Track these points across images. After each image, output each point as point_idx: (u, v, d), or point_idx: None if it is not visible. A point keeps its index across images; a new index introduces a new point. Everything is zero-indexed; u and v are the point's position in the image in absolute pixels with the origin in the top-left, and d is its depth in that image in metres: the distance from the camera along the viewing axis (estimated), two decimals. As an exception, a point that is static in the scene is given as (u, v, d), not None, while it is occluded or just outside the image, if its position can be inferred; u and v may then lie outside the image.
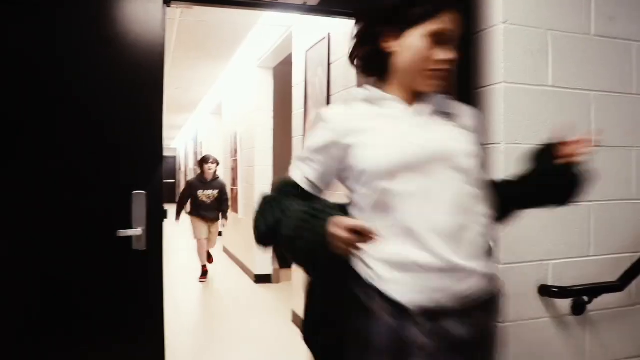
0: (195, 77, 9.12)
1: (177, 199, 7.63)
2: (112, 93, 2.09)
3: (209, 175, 6.84)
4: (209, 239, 7.00)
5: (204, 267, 7.06)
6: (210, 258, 7.19)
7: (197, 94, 11.18)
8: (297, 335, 4.71)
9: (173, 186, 23.84)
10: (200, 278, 6.98)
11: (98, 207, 2.08)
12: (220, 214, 6.98)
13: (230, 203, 7.27)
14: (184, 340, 4.48)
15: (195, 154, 15.18)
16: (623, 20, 2.16)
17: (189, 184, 7.09)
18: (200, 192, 6.79)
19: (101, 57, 2.06)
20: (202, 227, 6.90)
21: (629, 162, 2.18)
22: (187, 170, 18.22)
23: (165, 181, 2.52)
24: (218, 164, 6.99)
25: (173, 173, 24.37)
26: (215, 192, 6.85)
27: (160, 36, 2.12)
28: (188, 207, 6.99)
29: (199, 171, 7.01)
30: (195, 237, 6.94)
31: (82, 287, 2.06)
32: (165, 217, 2.20)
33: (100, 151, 2.07)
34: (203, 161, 6.89)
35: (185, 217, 7.13)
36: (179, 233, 9.42)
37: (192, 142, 16.71)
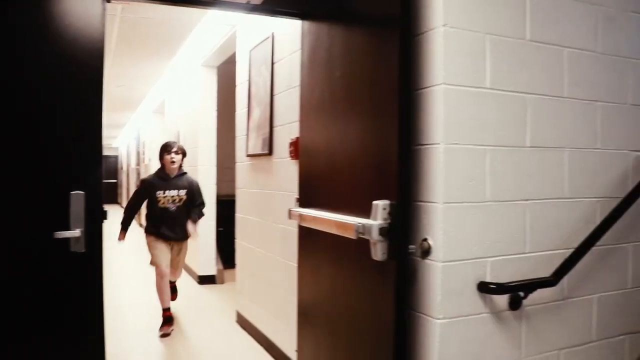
0: (138, 75, 8.93)
1: (123, 203, 6.02)
2: (48, 89, 2.02)
3: (172, 170, 4.81)
4: (173, 266, 4.91)
5: (165, 311, 4.76)
6: (174, 294, 5.21)
7: (140, 92, 10.96)
8: (241, 335, 4.67)
9: (114, 186, 23.31)
10: (161, 329, 4.64)
11: (34, 208, 2.01)
12: (190, 222, 4.82)
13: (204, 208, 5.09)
14: (126, 343, 4.38)
15: (138, 153, 14.86)
16: (555, 26, 2.24)
17: (143, 183, 4.95)
18: (160, 194, 4.71)
19: (37, 51, 2.00)
20: (164, 250, 4.76)
21: (562, 162, 2.27)
22: (129, 170, 17.83)
23: (106, 181, 2.45)
24: (184, 154, 4.96)
25: (115, 173, 23.82)
26: (183, 193, 4.79)
27: (100, 32, 2.07)
28: (143, 219, 5.14)
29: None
30: (153, 263, 4.78)
31: (17, 290, 1.99)
32: (105, 218, 2.15)
33: (35, 149, 2.01)
34: (164, 150, 4.85)
35: (136, 233, 5.35)
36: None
37: (134, 141, 16.35)
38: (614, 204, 2.33)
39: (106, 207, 2.16)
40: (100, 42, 2.08)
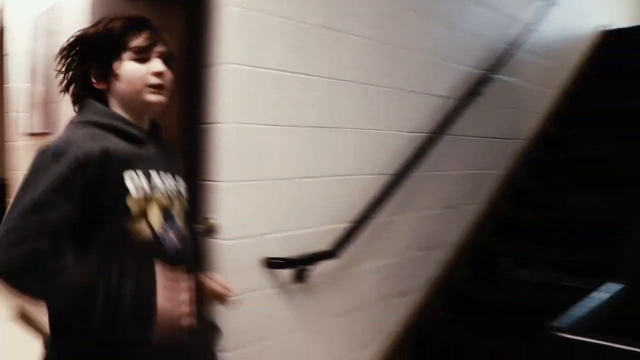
0: None
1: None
2: None
3: (151, 109, 1.28)
4: None
5: None
6: None
7: None
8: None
9: None
10: None
11: None
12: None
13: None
14: None
15: None
16: (338, 13, 2.35)
17: (65, 155, 1.10)
18: (136, 188, 1.18)
19: None
20: None
21: (337, 141, 2.40)
22: None
23: None
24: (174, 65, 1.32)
25: None
26: (182, 186, 1.36)
27: None
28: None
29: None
30: None
31: None
32: None
33: None
34: (123, 41, 1.23)
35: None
36: None
37: None
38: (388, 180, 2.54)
39: None
40: None
